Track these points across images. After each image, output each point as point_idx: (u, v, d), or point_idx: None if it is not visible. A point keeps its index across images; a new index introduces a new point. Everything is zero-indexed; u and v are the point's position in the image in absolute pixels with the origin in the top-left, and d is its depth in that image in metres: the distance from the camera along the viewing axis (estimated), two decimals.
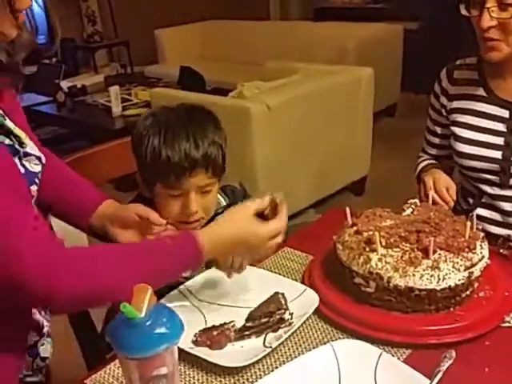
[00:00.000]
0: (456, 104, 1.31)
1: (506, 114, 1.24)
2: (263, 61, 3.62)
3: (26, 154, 0.84)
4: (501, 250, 1.09)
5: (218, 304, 0.99)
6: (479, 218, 1.29)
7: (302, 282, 1.03)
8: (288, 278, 1.06)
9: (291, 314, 0.88)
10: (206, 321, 0.94)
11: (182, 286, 1.01)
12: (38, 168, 0.86)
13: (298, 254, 1.16)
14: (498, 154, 1.24)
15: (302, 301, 0.93)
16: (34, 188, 0.85)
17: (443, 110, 1.35)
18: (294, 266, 1.12)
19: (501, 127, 1.24)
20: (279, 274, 1.08)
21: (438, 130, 1.39)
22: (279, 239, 0.88)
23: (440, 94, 1.35)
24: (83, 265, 0.75)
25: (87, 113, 3.68)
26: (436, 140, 1.41)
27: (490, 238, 1.12)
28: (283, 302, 0.87)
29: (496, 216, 1.29)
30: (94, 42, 5.08)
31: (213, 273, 1.05)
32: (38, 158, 0.87)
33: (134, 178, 1.57)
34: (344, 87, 3.01)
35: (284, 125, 2.64)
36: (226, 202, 1.12)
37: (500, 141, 1.24)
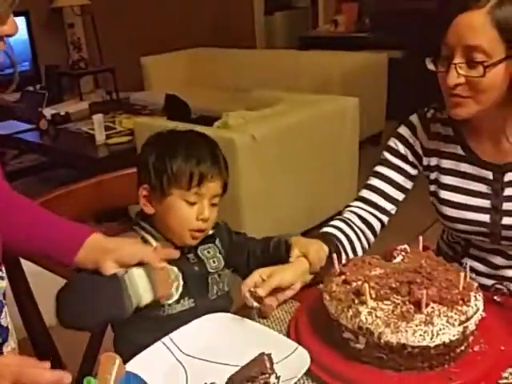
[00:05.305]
0: (435, 161, 1.21)
1: (489, 175, 1.15)
2: (249, 88, 3.60)
3: None
4: (495, 297, 1.04)
5: (202, 359, 0.92)
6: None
7: (288, 334, 0.97)
8: (273, 328, 1.00)
9: (278, 378, 0.82)
10: (187, 378, 0.88)
11: (166, 338, 0.95)
12: None
13: None
14: (485, 218, 1.15)
15: (292, 361, 0.86)
16: None
17: (413, 159, 1.24)
18: (278, 314, 1.06)
19: (485, 189, 1.16)
20: (263, 324, 1.02)
21: (396, 177, 1.24)
22: None
23: (413, 141, 1.23)
24: None
25: (70, 141, 3.63)
26: (388, 188, 1.24)
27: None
28: (268, 365, 0.80)
29: (482, 268, 1.22)
30: (79, 68, 5.05)
31: (200, 323, 0.99)
32: None
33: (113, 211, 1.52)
34: (330, 117, 3.00)
35: (270, 156, 2.60)
36: (212, 232, 1.12)
37: (486, 203, 1.15)
